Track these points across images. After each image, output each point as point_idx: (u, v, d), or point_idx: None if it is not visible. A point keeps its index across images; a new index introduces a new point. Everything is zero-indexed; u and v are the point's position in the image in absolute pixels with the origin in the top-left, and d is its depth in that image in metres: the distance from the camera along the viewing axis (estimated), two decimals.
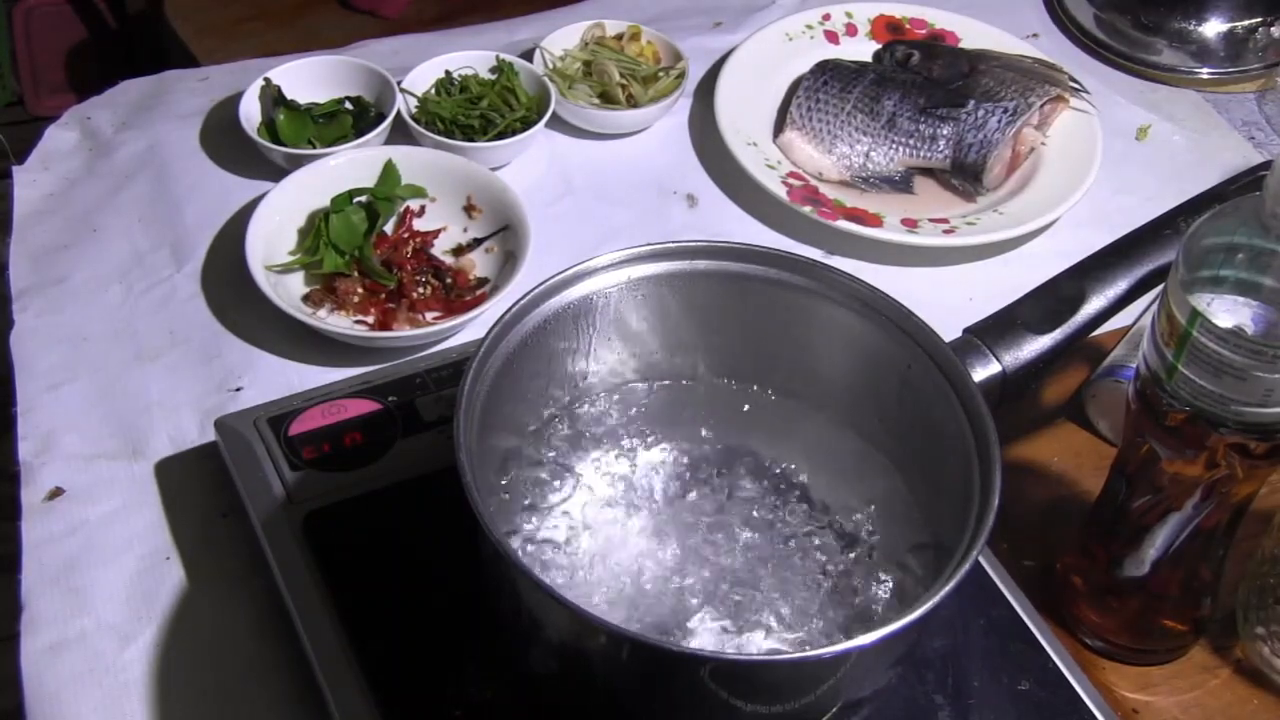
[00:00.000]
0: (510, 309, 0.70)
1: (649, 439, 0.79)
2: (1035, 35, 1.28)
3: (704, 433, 0.79)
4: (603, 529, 0.75)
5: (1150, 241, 0.78)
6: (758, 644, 0.70)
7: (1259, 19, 1.25)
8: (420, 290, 0.96)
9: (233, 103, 1.07)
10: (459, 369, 0.86)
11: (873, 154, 1.10)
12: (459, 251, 1.01)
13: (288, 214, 0.99)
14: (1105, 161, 1.10)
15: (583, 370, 0.77)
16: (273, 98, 1.07)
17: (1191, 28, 1.26)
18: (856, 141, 1.10)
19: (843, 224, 1.03)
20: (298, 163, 1.01)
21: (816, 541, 0.75)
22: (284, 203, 0.99)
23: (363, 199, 1.00)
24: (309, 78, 1.09)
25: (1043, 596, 0.79)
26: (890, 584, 0.73)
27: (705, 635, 0.70)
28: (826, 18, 1.23)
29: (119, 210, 1.03)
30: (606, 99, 1.13)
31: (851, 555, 0.74)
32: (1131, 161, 1.16)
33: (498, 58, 1.12)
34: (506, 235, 1.00)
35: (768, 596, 0.72)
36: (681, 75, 1.14)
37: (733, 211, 1.09)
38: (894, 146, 1.10)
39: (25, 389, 0.90)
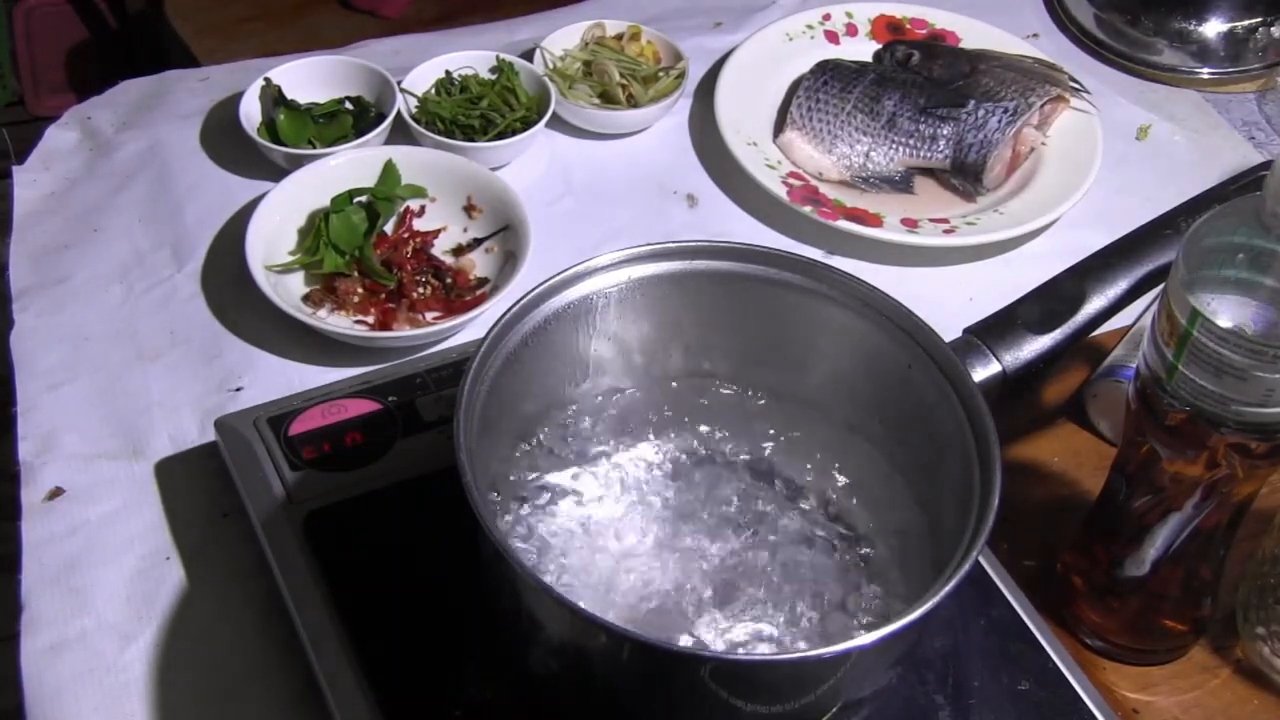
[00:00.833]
0: (510, 309, 0.70)
1: (649, 439, 0.79)
2: (1035, 35, 1.28)
3: (704, 433, 0.79)
4: (603, 528, 0.75)
5: (1150, 241, 0.78)
6: (758, 644, 0.70)
7: (1259, 19, 1.25)
8: (420, 290, 0.96)
9: (233, 103, 1.07)
10: (459, 369, 0.86)
11: (873, 154, 1.10)
12: (459, 251, 1.01)
13: (288, 214, 0.99)
14: (1105, 161, 1.10)
15: (583, 370, 0.77)
16: (273, 98, 1.07)
17: (1192, 28, 1.26)
18: (856, 141, 1.10)
19: (843, 224, 1.03)
20: (298, 163, 1.01)
21: (816, 541, 0.75)
22: (284, 203, 0.99)
23: (363, 199, 1.00)
24: (309, 78, 1.09)
25: (1043, 596, 0.79)
26: (889, 582, 0.73)
27: (705, 635, 0.70)
28: (827, 18, 1.23)
29: (119, 210, 1.03)
30: (606, 99, 1.13)
31: (851, 555, 0.74)
32: (1131, 161, 1.16)
33: (498, 58, 1.12)
34: (506, 235, 1.00)
35: (768, 596, 0.72)
36: (681, 75, 1.14)
37: (733, 211, 1.09)
38: (894, 146, 1.10)
39: (25, 389, 0.90)
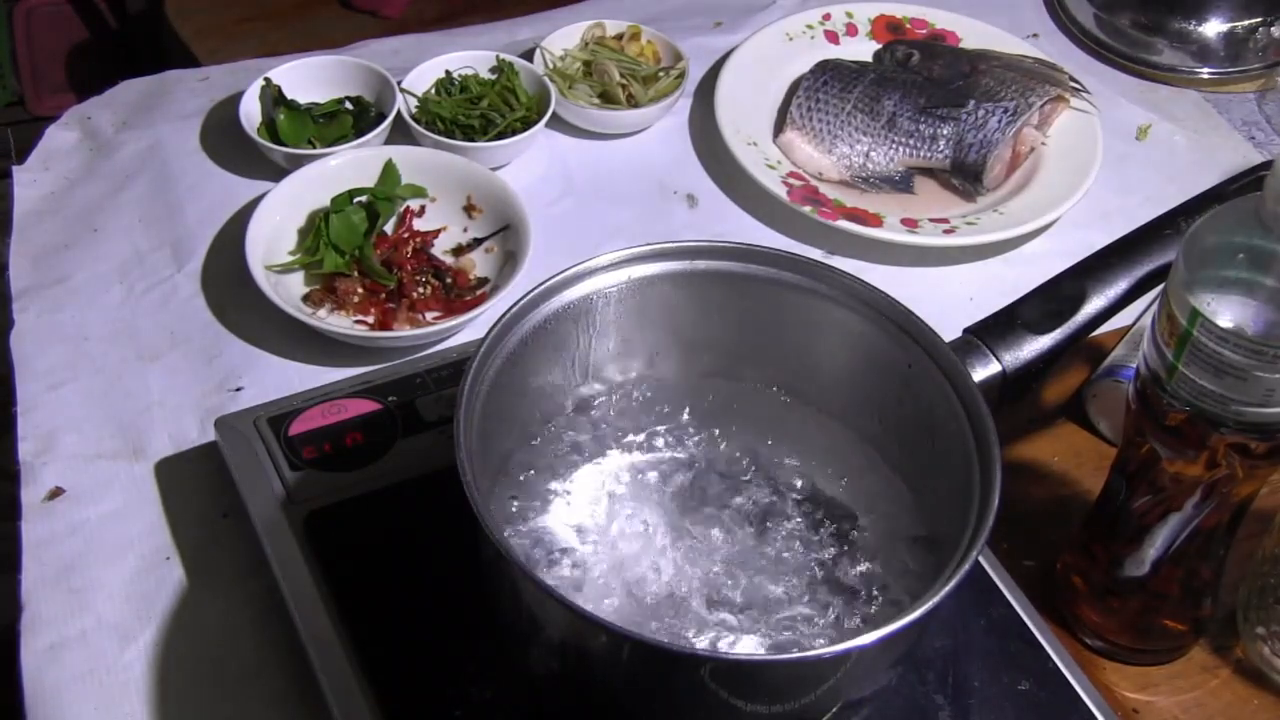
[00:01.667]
0: (510, 309, 0.70)
1: (649, 439, 0.79)
2: (1035, 35, 1.28)
3: (703, 433, 0.79)
4: (602, 528, 0.75)
5: (1150, 241, 0.78)
6: (757, 644, 0.70)
7: (1259, 19, 1.25)
8: (420, 290, 0.96)
9: (233, 103, 1.07)
10: (459, 369, 0.86)
11: (873, 154, 1.10)
12: (459, 251, 1.01)
13: (288, 214, 0.99)
14: (1105, 161, 1.10)
15: (583, 370, 0.77)
16: (273, 98, 1.07)
17: (1192, 28, 1.26)
18: (856, 141, 1.10)
19: (843, 224, 1.03)
20: (298, 163, 1.01)
21: (816, 541, 0.75)
22: (284, 203, 0.99)
23: (363, 199, 1.00)
24: (309, 78, 1.09)
25: (1043, 596, 0.79)
26: (890, 584, 0.73)
27: (705, 635, 0.70)
28: (827, 18, 1.23)
29: (119, 210, 1.03)
30: (606, 99, 1.13)
31: (851, 555, 0.74)
32: (1131, 161, 1.16)
33: (498, 58, 1.12)
34: (506, 235, 1.00)
35: (768, 596, 0.72)
36: (681, 75, 1.14)
37: (733, 211, 1.09)
38: (894, 146, 1.10)
39: (25, 389, 0.90)
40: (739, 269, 0.75)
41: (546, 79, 1.11)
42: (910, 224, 1.05)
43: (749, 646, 0.70)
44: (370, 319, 0.95)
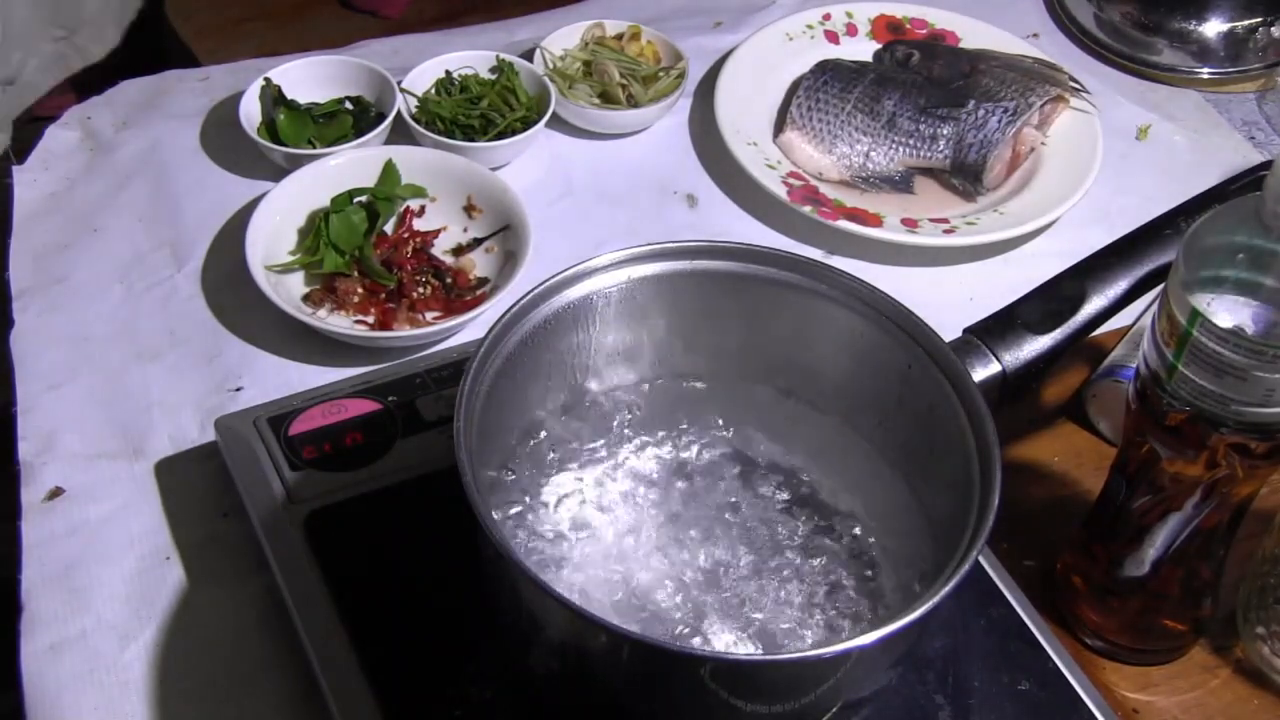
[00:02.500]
0: (510, 309, 0.70)
1: (648, 439, 0.79)
2: (1035, 35, 1.28)
3: (703, 433, 0.79)
4: (602, 529, 0.75)
5: (1150, 241, 0.78)
6: (757, 643, 0.70)
7: (1259, 19, 1.25)
8: (420, 290, 0.96)
9: (233, 103, 1.07)
10: (459, 369, 0.86)
11: (873, 154, 1.10)
12: (459, 251, 1.01)
13: (288, 214, 0.99)
14: (1105, 161, 1.10)
15: (583, 370, 0.77)
16: (273, 98, 1.07)
17: (1192, 28, 1.26)
18: (856, 141, 1.10)
19: (843, 224, 1.03)
20: (298, 163, 1.01)
21: (816, 541, 0.75)
22: (284, 203, 0.99)
23: (363, 199, 1.00)
24: (309, 78, 1.09)
25: (1043, 596, 0.79)
26: (890, 583, 0.73)
27: (705, 635, 0.70)
28: (827, 18, 1.23)
29: (119, 210, 1.03)
30: (606, 99, 1.13)
31: (851, 554, 0.74)
32: (1131, 161, 1.16)
33: (498, 58, 1.12)
34: (506, 235, 1.00)
35: (767, 595, 0.72)
36: (681, 75, 1.14)
37: (733, 211, 1.09)
38: (894, 146, 1.10)
39: (25, 389, 0.90)
40: (739, 269, 0.75)
41: (546, 79, 1.11)
42: (910, 224, 1.05)
43: (749, 646, 0.70)
44: (370, 319, 0.95)
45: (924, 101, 1.10)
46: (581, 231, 1.05)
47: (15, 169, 1.06)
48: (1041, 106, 1.11)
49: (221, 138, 1.09)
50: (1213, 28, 1.25)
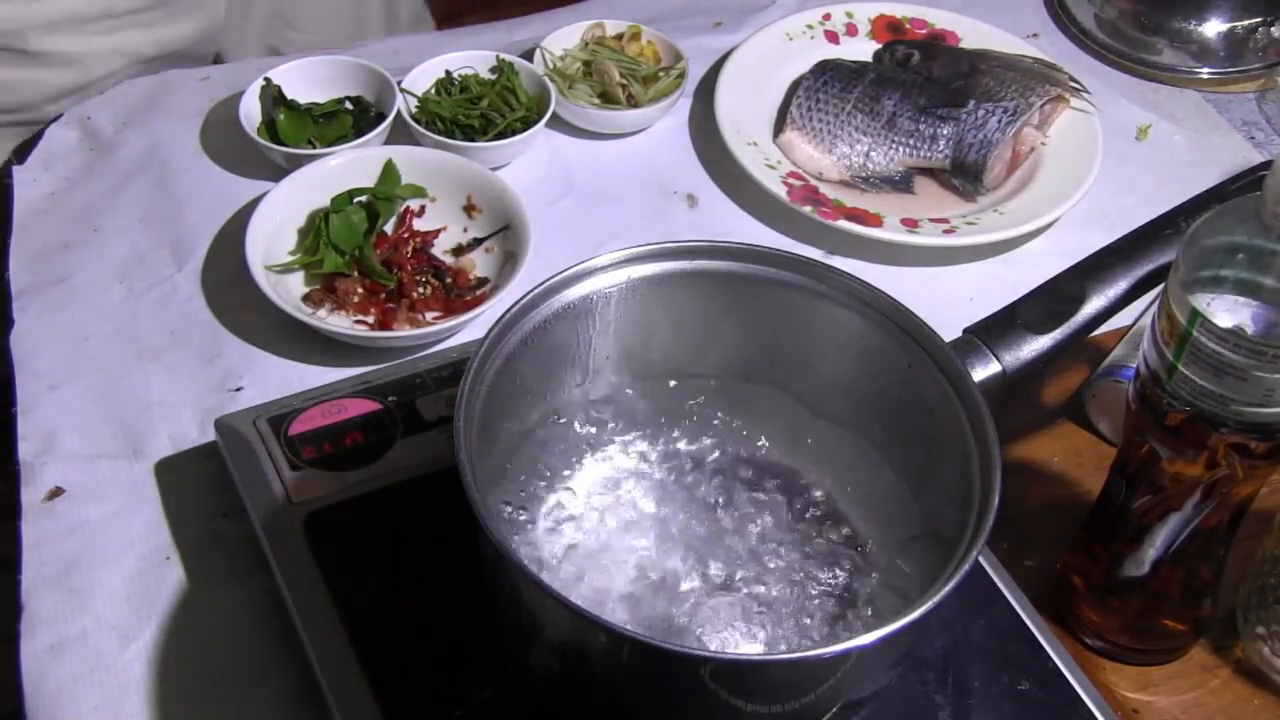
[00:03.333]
0: (510, 309, 0.70)
1: (648, 439, 0.79)
2: (1035, 35, 1.28)
3: (703, 433, 0.79)
4: (602, 528, 0.75)
5: (1150, 241, 0.78)
6: (757, 643, 0.70)
7: (1259, 19, 1.25)
8: (420, 290, 0.96)
9: (233, 103, 1.07)
10: (459, 369, 0.86)
11: (873, 154, 1.10)
12: (459, 251, 1.01)
13: (288, 214, 0.99)
14: (1105, 161, 1.10)
15: (583, 370, 0.77)
16: (273, 98, 1.07)
17: (1191, 27, 1.26)
18: (856, 141, 1.10)
19: (843, 224, 1.03)
20: (298, 163, 1.01)
21: (816, 540, 0.75)
22: (284, 203, 0.99)
23: (363, 199, 1.00)
24: (309, 78, 1.09)
25: (1043, 596, 0.79)
26: (890, 583, 0.73)
27: (705, 635, 0.70)
28: (827, 18, 1.23)
29: (119, 210, 1.03)
30: (606, 99, 1.13)
31: (851, 554, 0.74)
32: (1131, 161, 1.16)
33: (498, 58, 1.12)
34: (506, 235, 1.00)
35: (767, 595, 0.72)
36: (681, 75, 1.14)
37: (733, 211, 1.09)
38: (894, 146, 1.10)
39: (25, 389, 0.90)
40: (739, 269, 0.75)
41: (546, 79, 1.11)
42: (910, 224, 1.05)
43: (749, 646, 0.70)
44: (370, 319, 0.95)
45: (924, 101, 1.10)
46: (581, 231, 1.05)
47: (15, 169, 1.06)
48: (1041, 106, 1.11)
49: (221, 138, 1.09)
50: (1213, 28, 1.25)
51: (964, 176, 1.09)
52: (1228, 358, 0.62)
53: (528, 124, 1.07)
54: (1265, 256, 0.61)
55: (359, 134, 1.05)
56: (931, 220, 1.06)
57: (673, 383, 0.80)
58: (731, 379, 0.80)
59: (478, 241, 1.01)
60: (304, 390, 0.86)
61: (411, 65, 1.10)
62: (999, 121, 1.08)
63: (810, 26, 1.22)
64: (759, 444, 0.79)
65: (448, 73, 1.11)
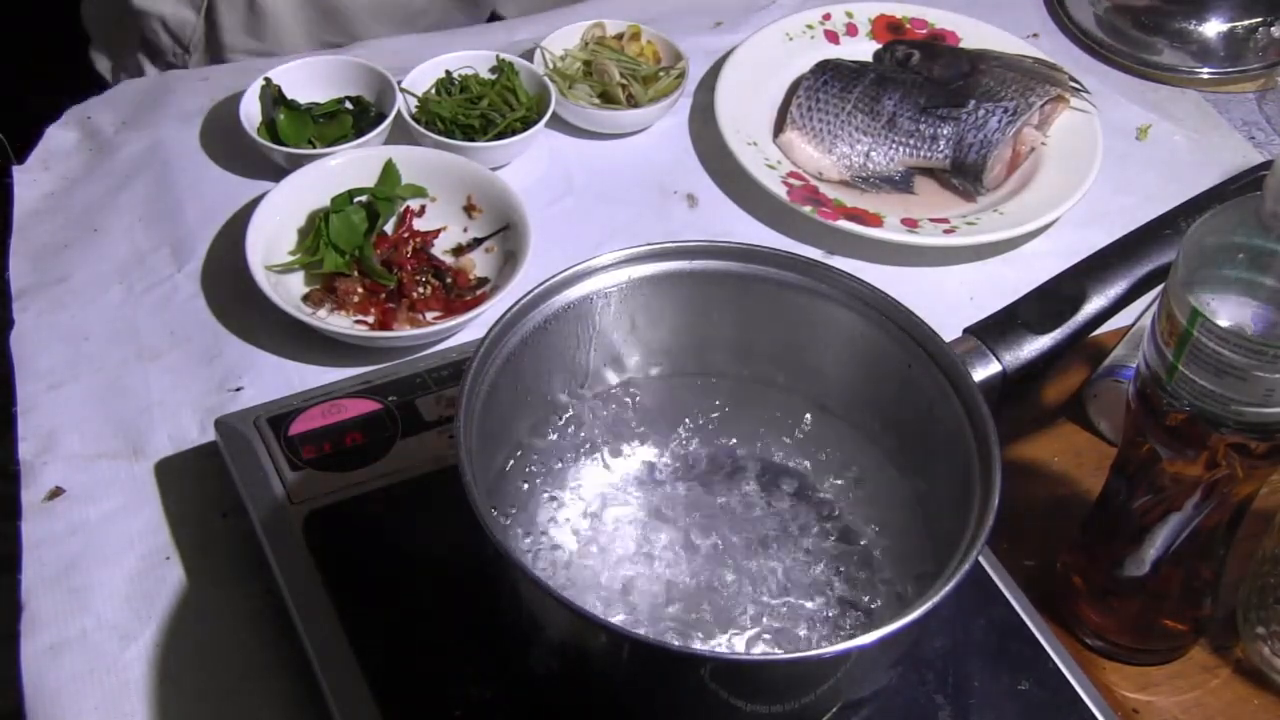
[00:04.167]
0: (510, 309, 0.70)
1: (648, 439, 0.79)
2: (1035, 35, 1.28)
3: (703, 433, 0.79)
4: (602, 529, 0.75)
5: (1150, 241, 0.78)
6: (758, 643, 0.70)
7: (1259, 19, 1.25)
8: (420, 290, 0.96)
9: (233, 103, 1.07)
10: (459, 369, 0.86)
11: (873, 154, 1.10)
12: (459, 251, 1.01)
13: (288, 214, 0.99)
14: (1105, 161, 1.10)
15: (583, 370, 0.77)
16: (273, 98, 1.07)
17: (1192, 28, 1.26)
18: (857, 141, 1.10)
19: (843, 224, 1.03)
20: (298, 163, 1.01)
21: (816, 540, 0.75)
22: (284, 203, 0.99)
23: (363, 199, 1.00)
24: (309, 78, 1.09)
25: (1043, 596, 0.79)
26: (890, 583, 0.73)
27: (705, 634, 0.70)
28: (827, 17, 1.23)
29: (119, 210, 1.03)
30: (606, 99, 1.13)
31: (851, 554, 0.74)
32: (1131, 161, 1.16)
33: (498, 58, 1.12)
34: (507, 235, 1.00)
35: (767, 595, 0.72)
36: (681, 75, 1.14)
37: (733, 211, 1.09)
38: (894, 146, 1.10)
39: (25, 389, 0.90)
40: (739, 269, 0.75)
41: (546, 79, 1.11)
42: (910, 224, 1.05)
43: (749, 646, 0.70)
44: (370, 319, 0.95)
45: (924, 101, 1.10)
46: (581, 231, 1.05)
47: (15, 169, 1.06)
48: (1041, 106, 1.11)
49: (221, 138, 1.09)
50: (1213, 28, 1.25)
51: (964, 176, 1.09)
52: (1228, 358, 0.62)
53: (528, 124, 1.07)
54: (1265, 256, 0.61)
55: (359, 134, 1.05)
56: (931, 220, 1.06)
57: (673, 382, 0.80)
58: (731, 379, 0.80)
59: (478, 241, 1.01)
60: (304, 390, 0.86)
61: (411, 65, 1.10)
62: (999, 121, 1.08)
63: (810, 26, 1.22)
64: (758, 444, 0.79)
65: (448, 73, 1.11)
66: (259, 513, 0.78)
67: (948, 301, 1.00)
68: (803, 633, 0.71)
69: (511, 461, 0.75)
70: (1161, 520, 0.72)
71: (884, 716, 0.72)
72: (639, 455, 0.78)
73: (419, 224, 1.02)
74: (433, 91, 1.10)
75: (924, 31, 1.23)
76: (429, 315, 0.95)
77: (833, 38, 1.22)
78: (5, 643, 0.78)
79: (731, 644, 0.70)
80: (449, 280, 0.97)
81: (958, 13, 1.23)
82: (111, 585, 0.80)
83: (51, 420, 0.88)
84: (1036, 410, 0.93)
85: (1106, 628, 0.79)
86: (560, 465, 0.77)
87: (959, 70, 1.14)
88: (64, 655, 0.76)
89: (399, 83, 1.08)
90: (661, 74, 1.15)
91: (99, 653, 0.77)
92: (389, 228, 1.00)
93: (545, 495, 0.75)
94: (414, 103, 1.09)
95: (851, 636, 0.61)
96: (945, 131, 1.09)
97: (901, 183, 1.10)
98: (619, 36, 1.17)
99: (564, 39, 1.16)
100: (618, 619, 0.70)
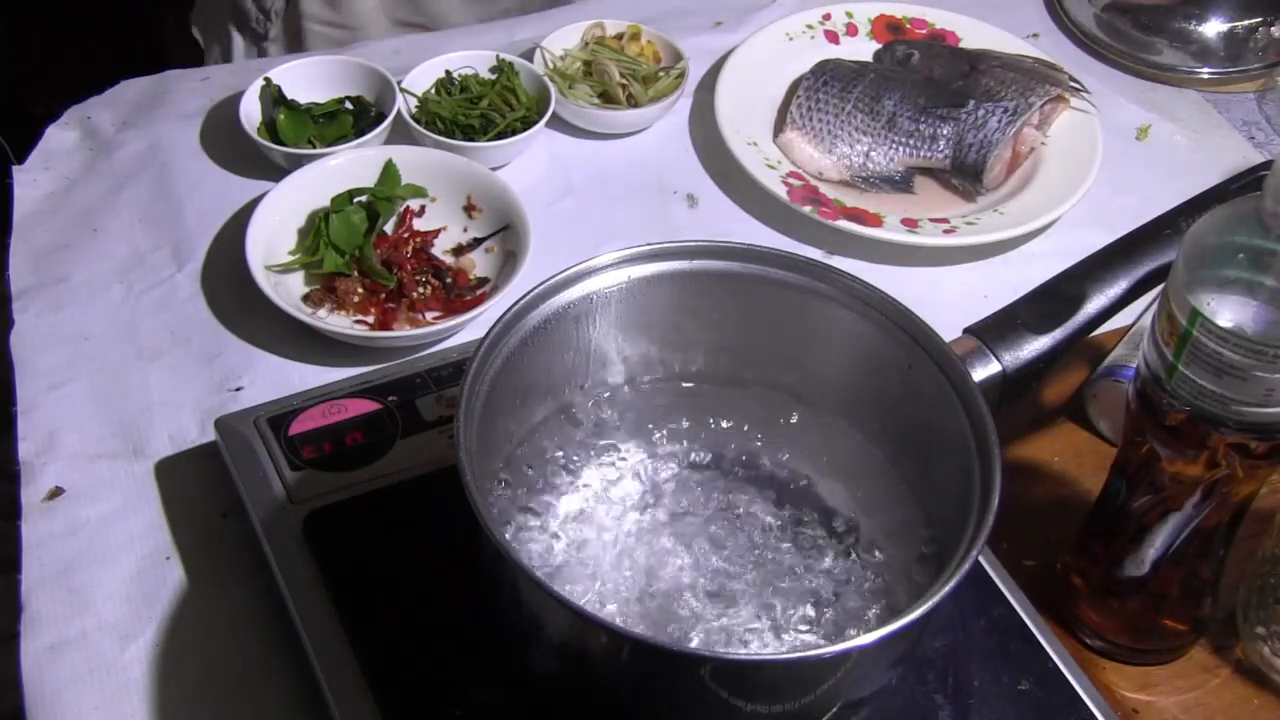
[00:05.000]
0: (510, 309, 0.70)
1: (648, 439, 0.79)
2: (1035, 35, 1.28)
3: (703, 433, 0.79)
4: (602, 529, 0.75)
5: (1150, 241, 0.78)
6: (758, 643, 0.70)
7: (1259, 19, 1.25)
8: (420, 290, 0.96)
9: (233, 103, 1.07)
10: (459, 369, 0.86)
11: (873, 154, 1.10)
12: (459, 251, 1.01)
13: (288, 214, 0.99)
14: (1105, 161, 1.10)
15: (583, 370, 0.77)
16: (273, 98, 1.07)
17: (1191, 28, 1.26)
18: (856, 141, 1.10)
19: (843, 224, 1.03)
20: (298, 163, 1.01)
21: (816, 541, 0.75)
22: (284, 203, 0.99)
23: (363, 199, 1.00)
24: (309, 78, 1.09)
25: (1043, 596, 0.79)
26: (890, 583, 0.73)
27: (706, 634, 0.70)
28: (827, 17, 1.23)
29: (119, 210, 1.03)
30: (606, 99, 1.13)
31: (851, 554, 0.74)
32: (1131, 161, 1.16)
33: (498, 57, 1.12)
34: (507, 235, 1.00)
35: (768, 595, 0.72)
36: (681, 75, 1.14)
37: (733, 211, 1.09)
38: (894, 146, 1.10)
39: (25, 389, 0.90)
40: (739, 269, 0.75)
41: (546, 79, 1.11)
42: (910, 224, 1.05)
43: (749, 646, 0.70)
44: (370, 319, 0.95)
45: (924, 101, 1.10)
46: (581, 231, 1.05)
47: (15, 169, 1.06)
48: (1041, 106, 1.11)
49: (221, 138, 1.09)
50: (1213, 28, 1.25)
51: (964, 176, 1.09)
52: (1228, 358, 0.62)
53: (528, 124, 1.07)
54: (1265, 256, 0.61)
55: (359, 134, 1.05)
56: (931, 220, 1.06)
57: (672, 383, 0.80)
58: (731, 379, 0.80)
59: (478, 241, 1.01)
60: (304, 390, 0.86)
61: (411, 65, 1.10)
62: (999, 121, 1.08)
63: (810, 26, 1.22)
64: (758, 443, 0.79)
65: (448, 73, 1.11)
66: (259, 513, 0.78)
67: (948, 301, 1.00)
68: (802, 632, 0.71)
69: (511, 461, 0.75)
70: (1161, 520, 0.72)
71: (884, 716, 0.72)
72: (638, 455, 0.78)
73: (419, 224, 1.02)
74: (433, 91, 1.10)
75: (924, 31, 1.23)
76: (429, 315, 0.95)
77: (833, 38, 1.22)
78: (5, 643, 0.78)
79: (731, 644, 0.70)
80: (449, 280, 0.97)
81: (958, 13, 1.23)
82: (111, 585, 0.80)
83: (51, 420, 0.88)
84: (1036, 410, 0.93)
85: (1106, 628, 0.79)
86: (560, 465, 0.77)
87: (959, 70, 1.14)
88: (64, 655, 0.76)
89: (399, 83, 1.08)
90: (661, 74, 1.15)
91: (99, 653, 0.77)
92: (389, 228, 1.00)
93: (545, 495, 0.75)
94: (414, 103, 1.09)
95: (851, 637, 0.61)
96: (945, 131, 1.09)
97: (901, 183, 1.10)
98: (619, 36, 1.17)
99: (564, 39, 1.16)
100: (618, 619, 0.70)
